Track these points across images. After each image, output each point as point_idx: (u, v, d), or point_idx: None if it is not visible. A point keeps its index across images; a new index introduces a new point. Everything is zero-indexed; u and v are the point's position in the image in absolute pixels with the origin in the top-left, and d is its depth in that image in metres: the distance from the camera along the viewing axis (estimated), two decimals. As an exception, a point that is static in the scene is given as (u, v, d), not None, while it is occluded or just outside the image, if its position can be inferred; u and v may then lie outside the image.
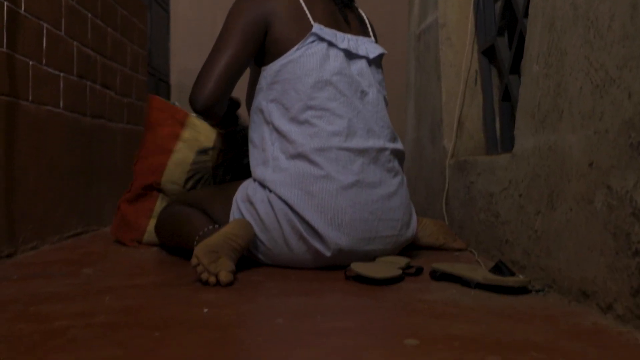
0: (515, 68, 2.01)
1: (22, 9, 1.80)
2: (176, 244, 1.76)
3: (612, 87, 1.08)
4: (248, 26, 1.62)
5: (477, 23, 2.34)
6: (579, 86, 1.21)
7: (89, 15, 2.36)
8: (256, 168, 1.64)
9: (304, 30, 1.63)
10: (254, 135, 1.69)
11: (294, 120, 1.59)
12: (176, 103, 2.03)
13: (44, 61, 1.95)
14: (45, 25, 1.95)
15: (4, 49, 1.69)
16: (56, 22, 2.04)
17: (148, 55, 3.32)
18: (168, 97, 4.24)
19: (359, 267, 1.43)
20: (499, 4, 2.36)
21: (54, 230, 2.03)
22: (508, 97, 2.09)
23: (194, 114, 1.92)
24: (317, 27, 1.63)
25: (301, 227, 1.53)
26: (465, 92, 2.32)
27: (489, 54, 2.31)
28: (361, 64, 1.70)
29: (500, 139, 2.16)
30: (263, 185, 1.60)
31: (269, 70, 1.64)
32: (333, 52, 1.64)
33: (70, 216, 2.17)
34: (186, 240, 1.65)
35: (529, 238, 1.43)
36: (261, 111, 1.66)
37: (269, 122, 1.63)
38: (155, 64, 3.83)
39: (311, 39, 1.62)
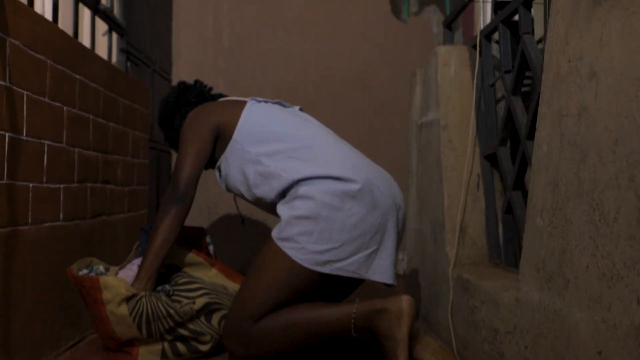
0: (519, 184, 2.00)
1: (24, 134, 1.79)
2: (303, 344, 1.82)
3: (620, 283, 1.06)
4: (202, 131, 1.98)
5: (479, 126, 2.34)
6: (585, 264, 1.19)
7: (91, 117, 2.36)
8: (276, 198, 1.90)
9: (242, 107, 2.03)
10: (261, 190, 1.93)
11: (267, 143, 1.93)
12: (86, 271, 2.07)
13: (44, 179, 1.94)
14: (46, 143, 1.94)
15: (4, 181, 1.69)
16: (57, 136, 2.04)
17: (149, 134, 3.32)
18: (169, 166, 4.24)
19: None
20: (501, 107, 2.36)
21: (51, 347, 2.00)
22: (511, 211, 2.08)
23: (103, 273, 2.04)
24: (251, 99, 2.05)
25: (328, 185, 1.75)
26: (467, 196, 2.31)
27: (491, 158, 2.30)
28: (295, 109, 2.13)
29: (504, 249, 2.15)
30: (286, 194, 1.86)
31: (234, 143, 1.96)
32: (269, 104, 2.07)
33: (67, 328, 2.14)
34: (329, 330, 1.75)
35: (536, 398, 1.40)
36: (261, 174, 1.93)
37: (265, 174, 1.90)
38: (156, 136, 3.83)
39: (250, 103, 2.02)
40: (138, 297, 1.92)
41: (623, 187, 1.06)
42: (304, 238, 1.73)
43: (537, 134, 1.45)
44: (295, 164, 1.84)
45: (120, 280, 1.92)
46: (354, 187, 1.77)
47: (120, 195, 2.75)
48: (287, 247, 1.75)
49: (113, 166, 2.63)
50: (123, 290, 1.90)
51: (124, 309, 1.90)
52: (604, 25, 1.13)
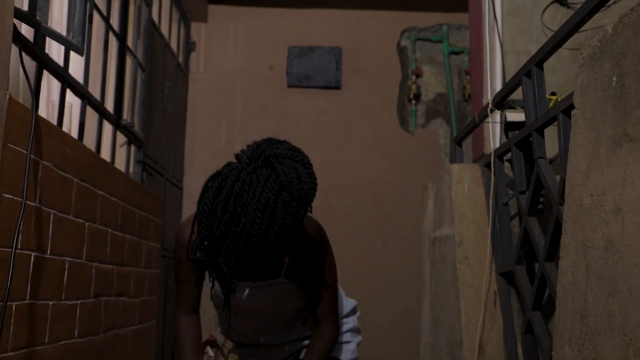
0: (538, 304, 1.99)
1: (48, 252, 1.81)
2: None
3: None
4: None
5: (494, 244, 2.35)
6: (621, 401, 1.17)
7: (109, 230, 2.38)
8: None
9: None
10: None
11: None
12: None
13: (63, 296, 1.93)
14: (67, 259, 1.96)
15: (27, 301, 1.69)
16: (78, 252, 2.05)
17: (161, 243, 3.34)
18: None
19: None
20: (514, 223, 2.39)
21: None
22: (531, 331, 2.06)
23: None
24: None
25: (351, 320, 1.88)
26: (485, 314, 2.29)
27: (507, 275, 2.30)
28: None
29: (524, 370, 2.11)
30: None
31: None
32: None
33: None
34: None
35: None
36: None
37: None
38: (167, 245, 3.84)
39: None
40: None
41: (657, 326, 1.06)
42: None
43: (561, 262, 1.47)
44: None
45: None
46: None
47: (132, 307, 2.73)
48: None
49: (127, 278, 2.63)
50: None
51: None
52: (627, 165, 1.17)
